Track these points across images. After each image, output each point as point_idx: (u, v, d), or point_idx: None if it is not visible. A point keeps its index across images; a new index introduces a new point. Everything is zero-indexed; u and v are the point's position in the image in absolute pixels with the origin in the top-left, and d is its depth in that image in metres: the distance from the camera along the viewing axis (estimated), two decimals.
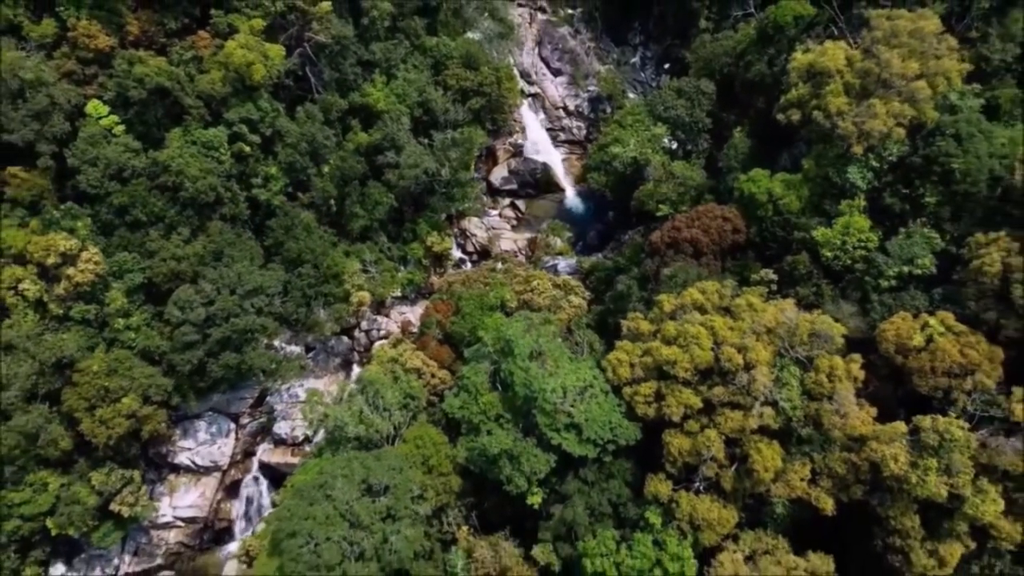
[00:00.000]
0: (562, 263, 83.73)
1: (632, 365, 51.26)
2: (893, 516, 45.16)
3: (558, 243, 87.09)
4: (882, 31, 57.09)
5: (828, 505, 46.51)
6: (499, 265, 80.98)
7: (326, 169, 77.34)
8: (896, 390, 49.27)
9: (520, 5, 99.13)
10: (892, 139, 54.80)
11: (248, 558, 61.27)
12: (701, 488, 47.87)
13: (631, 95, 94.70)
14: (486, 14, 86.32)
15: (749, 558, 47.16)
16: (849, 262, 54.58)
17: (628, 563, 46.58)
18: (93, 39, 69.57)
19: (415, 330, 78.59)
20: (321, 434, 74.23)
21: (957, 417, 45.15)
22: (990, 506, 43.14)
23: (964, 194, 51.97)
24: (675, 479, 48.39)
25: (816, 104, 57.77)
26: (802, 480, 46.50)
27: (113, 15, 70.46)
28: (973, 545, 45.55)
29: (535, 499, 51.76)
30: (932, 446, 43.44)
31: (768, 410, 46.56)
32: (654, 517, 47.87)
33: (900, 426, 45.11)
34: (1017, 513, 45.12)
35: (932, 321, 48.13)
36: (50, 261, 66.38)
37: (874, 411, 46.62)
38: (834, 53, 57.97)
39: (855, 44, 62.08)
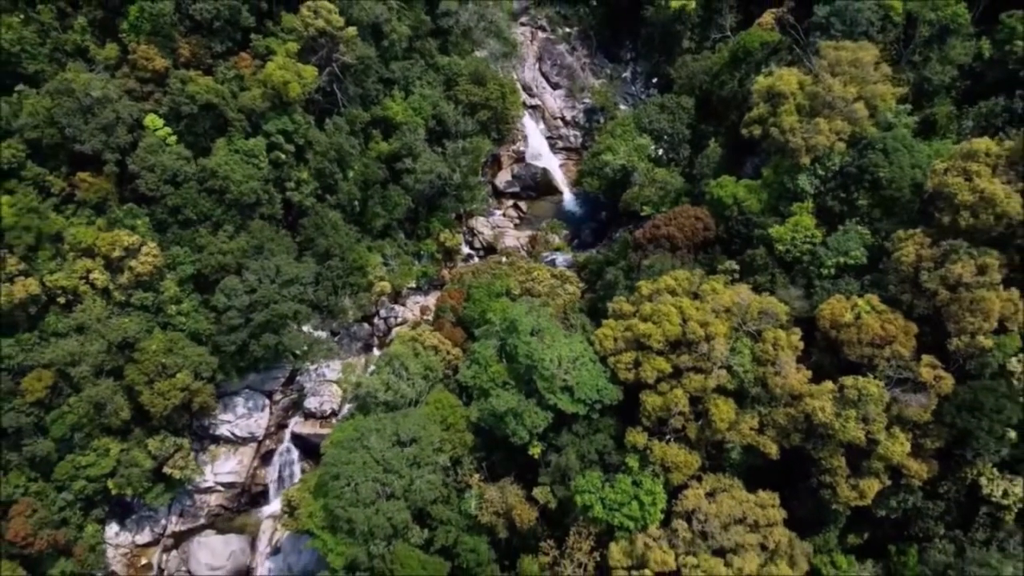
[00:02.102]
0: (560, 257, 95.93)
1: (615, 339, 63.27)
2: (824, 457, 57.18)
3: (556, 240, 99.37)
4: (828, 60, 69.28)
5: (772, 449, 58.58)
6: (504, 259, 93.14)
7: (351, 174, 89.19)
8: (833, 359, 61.18)
9: (522, 24, 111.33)
10: (834, 151, 66.94)
11: (290, 507, 73.04)
12: (671, 438, 59.87)
13: (623, 107, 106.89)
14: (492, 35, 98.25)
15: (710, 494, 59.10)
16: (798, 254, 66.64)
17: (611, 497, 58.53)
18: (151, 61, 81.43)
19: (429, 317, 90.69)
20: (347, 408, 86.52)
21: (877, 379, 57.12)
22: (898, 447, 55.12)
23: (890, 198, 64.08)
24: (650, 431, 60.29)
25: (773, 121, 69.83)
26: (751, 429, 58.53)
27: (168, 40, 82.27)
28: (889, 482, 57.55)
29: (535, 450, 63.79)
30: (852, 400, 55.48)
31: (724, 373, 58.61)
32: (633, 462, 59.78)
33: (828, 384, 57.25)
34: (923, 456, 57.19)
35: (860, 302, 60.11)
36: (115, 254, 78.18)
37: (809, 373, 58.76)
38: (788, 78, 70.08)
39: (811, 69, 74.17)
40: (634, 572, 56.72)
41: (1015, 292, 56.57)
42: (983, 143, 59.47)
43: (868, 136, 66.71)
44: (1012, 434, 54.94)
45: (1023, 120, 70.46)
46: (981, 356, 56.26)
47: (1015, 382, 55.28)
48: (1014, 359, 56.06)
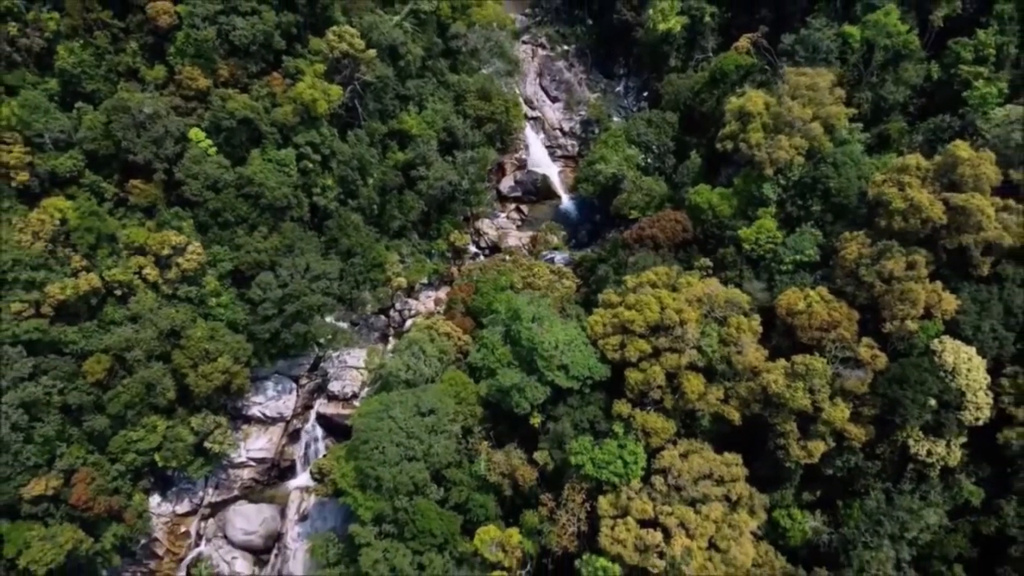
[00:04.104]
0: (558, 256, 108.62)
1: (604, 325, 75.52)
2: (778, 423, 69.39)
3: (555, 240, 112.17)
4: (790, 84, 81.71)
5: (735, 416, 70.89)
6: (507, 257, 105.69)
7: (371, 181, 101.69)
8: (788, 341, 73.46)
9: (524, 42, 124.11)
10: (794, 164, 79.35)
11: (320, 474, 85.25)
12: (650, 408, 72.16)
13: (616, 118, 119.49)
14: (497, 55, 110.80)
15: (683, 455, 71.27)
16: (762, 253, 79.15)
17: (600, 458, 70.74)
18: (195, 80, 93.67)
19: (441, 309, 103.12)
20: (366, 391, 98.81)
21: (824, 358, 69.35)
22: (839, 414, 67.38)
23: (839, 204, 76.50)
24: (633, 402, 72.50)
25: (743, 137, 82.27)
26: (718, 400, 70.85)
27: (209, 62, 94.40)
28: (834, 444, 69.80)
29: (535, 420, 76.09)
30: (800, 374, 67.76)
31: (695, 353, 70.95)
32: (618, 428, 72.00)
33: (782, 362, 69.58)
34: (862, 422, 69.41)
35: (812, 293, 72.51)
36: (164, 252, 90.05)
37: (766, 352, 71.12)
38: (756, 100, 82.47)
39: (778, 91, 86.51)
40: (619, 519, 68.89)
41: (939, 284, 69.19)
42: (914, 158, 72.01)
43: (822, 151, 79.09)
44: (933, 402, 67.18)
45: (959, 136, 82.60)
46: (909, 338, 68.84)
47: (936, 359, 67.53)
48: (935, 340, 68.42)
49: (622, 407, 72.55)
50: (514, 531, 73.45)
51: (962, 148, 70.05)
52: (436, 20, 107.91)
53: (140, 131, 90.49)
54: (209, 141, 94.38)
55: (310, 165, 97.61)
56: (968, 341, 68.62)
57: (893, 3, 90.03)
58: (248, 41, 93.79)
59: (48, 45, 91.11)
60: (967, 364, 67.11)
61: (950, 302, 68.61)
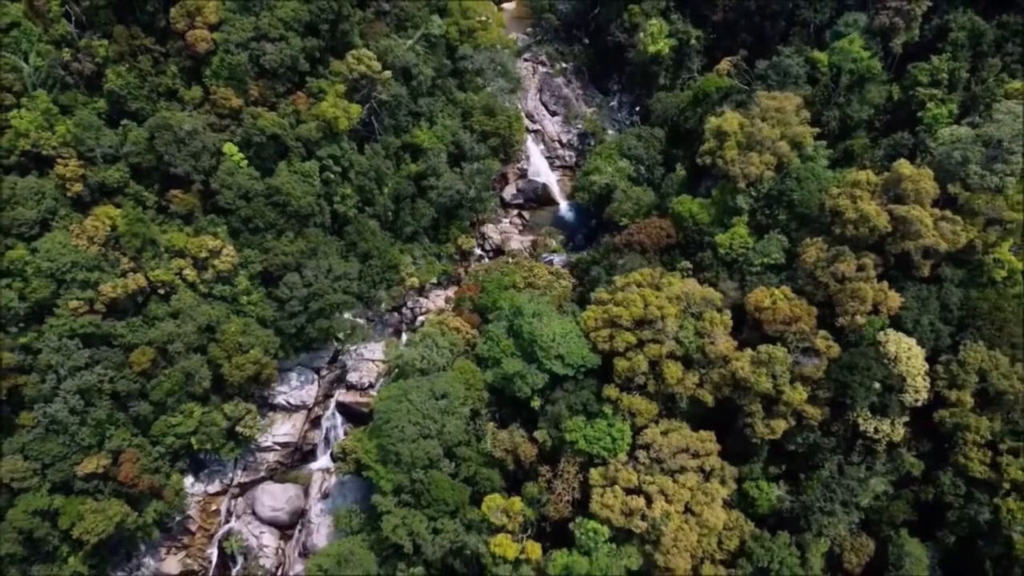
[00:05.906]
0: (556, 258, 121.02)
1: (596, 319, 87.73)
2: (745, 404, 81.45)
3: (553, 243, 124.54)
4: (760, 107, 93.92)
5: (709, 399, 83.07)
6: (510, 259, 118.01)
7: (386, 190, 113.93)
8: (757, 334, 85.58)
9: (525, 60, 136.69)
10: (764, 178, 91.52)
11: (343, 453, 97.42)
12: (636, 391, 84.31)
13: (610, 131, 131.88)
14: (501, 75, 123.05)
15: (664, 433, 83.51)
16: (735, 256, 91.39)
17: (591, 435, 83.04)
18: (228, 100, 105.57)
19: (450, 306, 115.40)
20: (382, 381, 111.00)
21: (787, 347, 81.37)
22: (797, 395, 79.46)
23: (802, 214, 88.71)
24: (620, 387, 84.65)
25: (720, 154, 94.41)
26: (693, 384, 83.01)
27: (241, 83, 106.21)
28: (794, 423, 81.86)
29: (535, 403, 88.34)
30: (764, 361, 79.86)
31: (674, 344, 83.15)
32: (607, 409, 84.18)
33: (749, 351, 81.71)
34: (818, 403, 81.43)
35: (777, 292, 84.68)
36: (202, 255, 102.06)
37: (736, 343, 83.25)
38: (731, 120, 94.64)
39: (751, 112, 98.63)
40: (608, 488, 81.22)
41: (885, 284, 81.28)
42: (864, 174, 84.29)
43: (789, 166, 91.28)
44: (878, 386, 79.16)
45: (913, 154, 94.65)
46: (859, 331, 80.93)
47: (881, 349, 79.63)
48: (881, 333, 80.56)
49: (611, 391, 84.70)
50: (516, 500, 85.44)
51: (905, 166, 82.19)
52: (445, 43, 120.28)
53: (180, 146, 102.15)
54: (241, 155, 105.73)
55: (331, 176, 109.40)
56: (909, 333, 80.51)
57: (857, 32, 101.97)
58: (276, 64, 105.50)
59: (98, 69, 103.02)
60: (908, 353, 78.98)
61: (894, 299, 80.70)
